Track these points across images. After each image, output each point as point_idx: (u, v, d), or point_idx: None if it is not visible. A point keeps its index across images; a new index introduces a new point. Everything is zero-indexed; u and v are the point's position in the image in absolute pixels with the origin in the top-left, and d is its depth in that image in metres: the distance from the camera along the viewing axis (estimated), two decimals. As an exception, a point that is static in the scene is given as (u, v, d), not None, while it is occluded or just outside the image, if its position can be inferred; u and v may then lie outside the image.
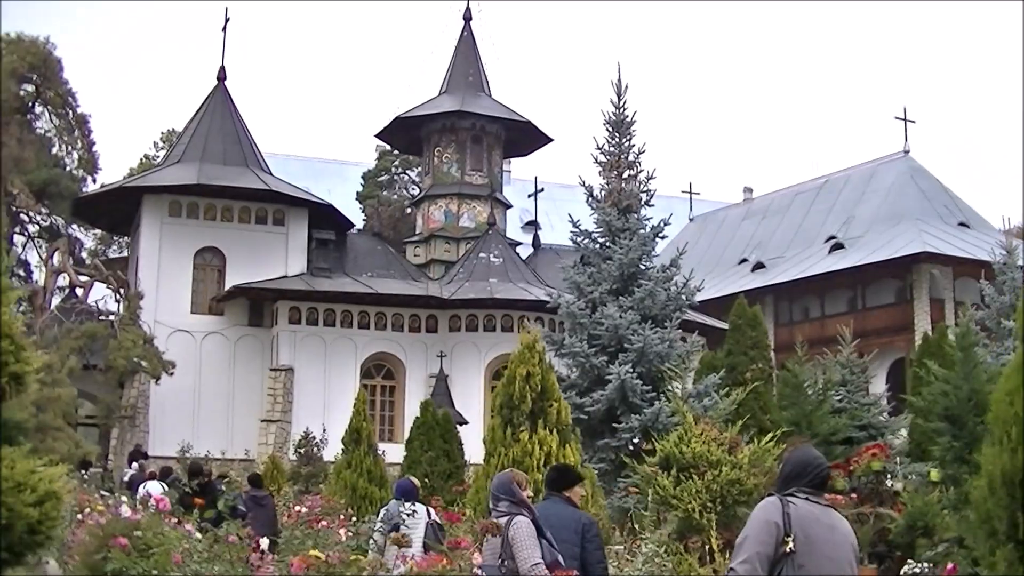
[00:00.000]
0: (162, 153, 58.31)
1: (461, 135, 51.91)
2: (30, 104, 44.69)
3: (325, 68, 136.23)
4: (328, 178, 66.45)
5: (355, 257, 48.93)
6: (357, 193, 60.86)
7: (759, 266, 61.65)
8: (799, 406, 28.61)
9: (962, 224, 56.49)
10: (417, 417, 26.59)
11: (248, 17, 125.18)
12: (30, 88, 44.36)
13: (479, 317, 46.97)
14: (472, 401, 44.68)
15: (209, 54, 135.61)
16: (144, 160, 56.44)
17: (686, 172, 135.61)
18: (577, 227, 28.19)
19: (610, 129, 28.05)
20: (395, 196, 61.52)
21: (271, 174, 49.08)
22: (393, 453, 42.77)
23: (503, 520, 9.24)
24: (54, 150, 45.59)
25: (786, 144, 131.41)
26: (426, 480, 25.00)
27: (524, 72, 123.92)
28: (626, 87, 28.06)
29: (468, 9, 54.53)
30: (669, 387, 26.36)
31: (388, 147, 61.85)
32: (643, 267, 27.13)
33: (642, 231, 27.39)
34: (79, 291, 46.33)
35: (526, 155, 55.99)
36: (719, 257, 64.95)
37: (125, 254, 54.90)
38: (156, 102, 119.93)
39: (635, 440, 25.57)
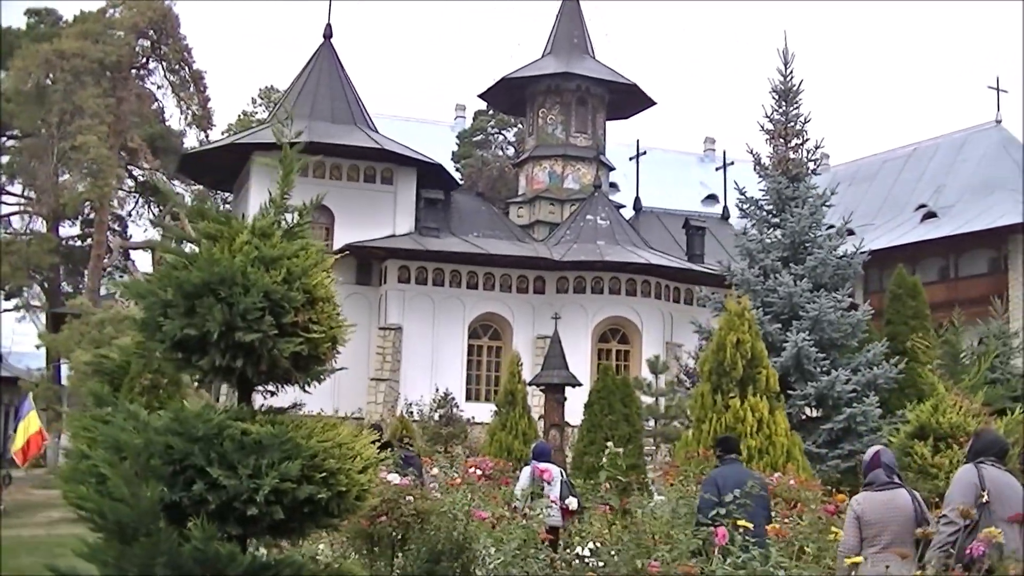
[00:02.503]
0: (260, 110, 58.48)
1: (566, 96, 51.92)
2: (144, 60, 44.87)
3: (408, 30, 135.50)
4: (410, 137, 66.48)
5: (461, 217, 49.05)
6: (453, 153, 60.94)
7: (847, 232, 61.28)
8: (956, 376, 28.81)
9: (1054, 194, 56.23)
10: (596, 380, 26.77)
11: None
12: (145, 44, 44.51)
13: (587, 279, 47.12)
14: (580, 363, 44.74)
15: (302, 12, 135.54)
16: (243, 117, 56.55)
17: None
18: (743, 194, 28.36)
19: (776, 97, 28.18)
20: (489, 156, 61.58)
21: (378, 132, 49.21)
22: (502, 414, 43.19)
23: (901, 491, 9.80)
24: (171, 105, 45.85)
25: (863, 113, 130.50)
26: (608, 445, 25.18)
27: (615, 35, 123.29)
28: (793, 55, 28.17)
29: (571, -30, 54.57)
30: (843, 357, 26.64)
31: (470, 107, 61.85)
32: (813, 235, 27.29)
33: (811, 199, 27.56)
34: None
35: (627, 118, 55.91)
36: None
37: (220, 209, 55.19)
38: (248, 60, 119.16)
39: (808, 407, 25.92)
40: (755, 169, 28.50)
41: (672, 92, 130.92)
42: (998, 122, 59.75)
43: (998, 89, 59.17)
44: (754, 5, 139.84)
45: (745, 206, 28.36)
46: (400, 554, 14.36)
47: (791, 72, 28.05)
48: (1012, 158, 57.63)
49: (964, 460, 10.07)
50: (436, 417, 38.36)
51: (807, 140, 28.11)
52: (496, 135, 62.72)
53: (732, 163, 55.12)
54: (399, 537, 14.28)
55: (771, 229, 27.96)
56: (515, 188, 54.67)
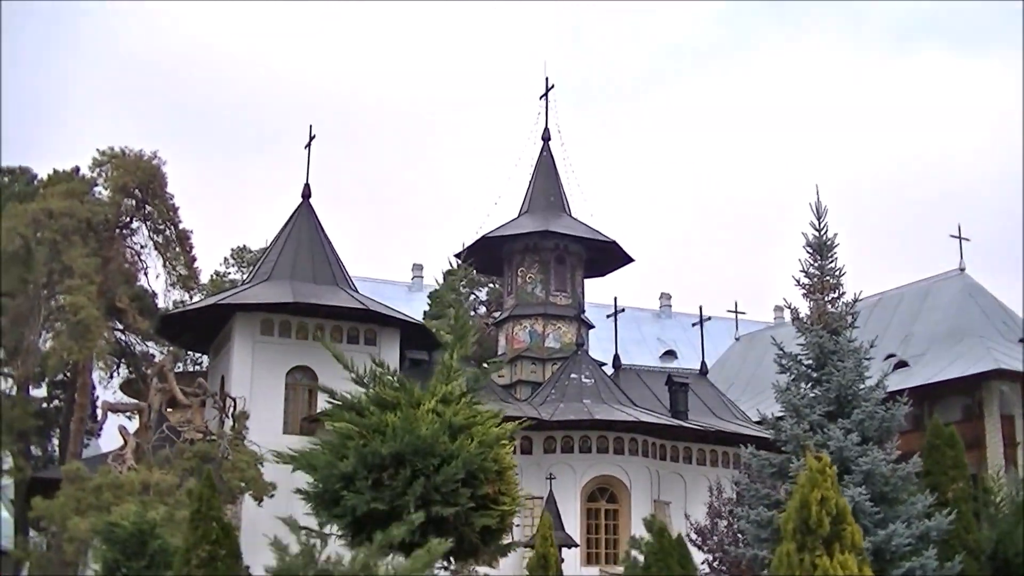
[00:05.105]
0: (232, 270, 58.03)
1: (545, 255, 52.05)
2: (129, 219, 44.38)
3: (356, 192, 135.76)
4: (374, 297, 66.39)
5: (444, 377, 48.48)
6: (424, 313, 60.54)
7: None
8: (998, 525, 28.82)
9: (1022, 340, 56.86)
10: (650, 542, 26.26)
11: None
12: (130, 202, 44.06)
13: (574, 438, 46.57)
14: (570, 523, 44.16)
15: (256, 170, 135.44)
16: (215, 277, 56.03)
17: (730, 291, 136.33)
18: (781, 349, 28.32)
19: (811, 251, 28.34)
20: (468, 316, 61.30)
21: (358, 292, 48.83)
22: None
23: None
24: (155, 265, 45.29)
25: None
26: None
27: (594, 191, 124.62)
28: (826, 209, 28.40)
29: (546, 130, 55.01)
30: (892, 510, 26.38)
31: (427, 267, 61.47)
32: (856, 389, 27.25)
33: (852, 352, 27.59)
34: (169, 409, 45.43)
35: (603, 275, 56.12)
36: (771, 375, 64.34)
37: (191, 370, 54.46)
38: (216, 220, 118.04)
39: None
40: (793, 323, 28.58)
41: (631, 248, 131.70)
42: (962, 270, 60.60)
43: (960, 237, 60.12)
44: (707, 161, 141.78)
45: (784, 361, 28.31)
46: None
47: (825, 226, 28.26)
48: (978, 305, 58.40)
49: None
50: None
51: (843, 293, 28.28)
52: (468, 294, 62.51)
53: (709, 319, 55.44)
54: None
55: (810, 384, 27.93)
56: (492, 347, 54.33)
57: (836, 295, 28.16)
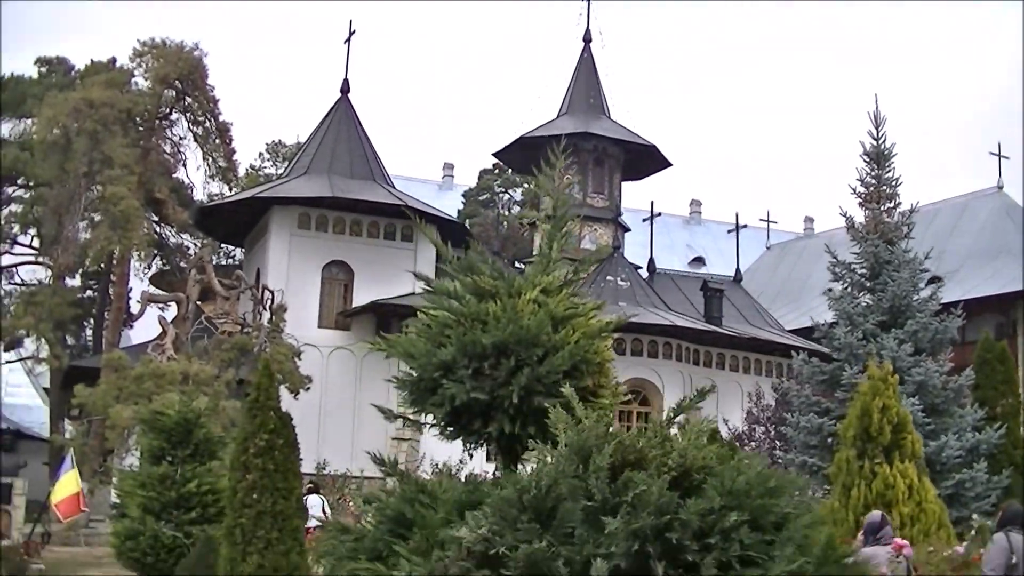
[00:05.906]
0: (268, 164, 57.77)
1: (583, 157, 51.61)
2: (168, 110, 44.04)
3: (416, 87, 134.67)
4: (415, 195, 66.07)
5: (479, 276, 48.29)
6: (458, 212, 60.32)
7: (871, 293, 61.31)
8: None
9: (1058, 261, 56.45)
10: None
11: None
12: (170, 94, 43.67)
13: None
14: (602, 425, 44.14)
15: (290, 65, 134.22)
16: (251, 171, 55.71)
17: (760, 200, 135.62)
18: (835, 257, 28.13)
19: (868, 160, 28.03)
20: (504, 215, 60.99)
21: (396, 189, 48.58)
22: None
23: None
24: (195, 157, 45.05)
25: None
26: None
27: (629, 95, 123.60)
28: (884, 119, 28.03)
29: (588, 31, 54.44)
30: (942, 421, 26.31)
31: (459, 167, 61.17)
32: (911, 299, 27.06)
33: (907, 263, 27.36)
34: (200, 302, 45.35)
35: (640, 179, 55.74)
36: (802, 285, 64.33)
37: (224, 263, 54.38)
38: (251, 113, 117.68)
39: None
40: (848, 231, 28.36)
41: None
42: (1000, 188, 59.99)
43: (1000, 155, 59.39)
44: (740, 71, 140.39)
45: (837, 269, 28.13)
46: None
47: (883, 135, 27.91)
48: (1015, 224, 57.83)
49: (994, 530, 12.84)
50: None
51: (899, 203, 27.99)
52: (502, 194, 62.24)
53: (745, 226, 55.10)
54: None
55: (864, 293, 27.76)
56: (525, 247, 54.15)
57: (892, 205, 27.82)
